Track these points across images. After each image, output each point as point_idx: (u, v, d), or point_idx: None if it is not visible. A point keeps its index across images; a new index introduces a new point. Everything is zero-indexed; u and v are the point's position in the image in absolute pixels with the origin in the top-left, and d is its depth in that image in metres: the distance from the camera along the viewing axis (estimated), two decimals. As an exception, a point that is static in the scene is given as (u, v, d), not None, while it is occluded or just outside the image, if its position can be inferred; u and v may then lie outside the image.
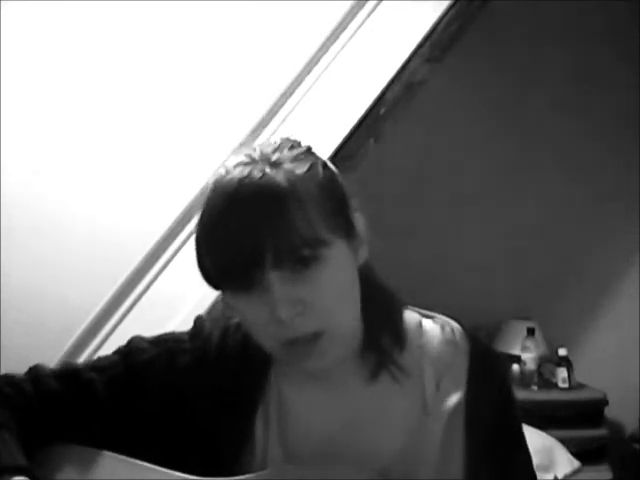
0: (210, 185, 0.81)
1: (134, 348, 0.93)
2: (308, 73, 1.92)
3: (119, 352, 0.94)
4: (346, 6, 1.93)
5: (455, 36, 1.99)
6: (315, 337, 0.80)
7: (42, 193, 1.81)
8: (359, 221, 0.86)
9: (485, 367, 0.90)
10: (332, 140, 1.88)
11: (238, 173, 0.79)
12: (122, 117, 1.86)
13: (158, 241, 1.82)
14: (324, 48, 1.93)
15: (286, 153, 0.82)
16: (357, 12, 1.94)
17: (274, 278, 0.77)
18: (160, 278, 1.82)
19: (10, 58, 1.80)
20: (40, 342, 1.70)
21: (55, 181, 1.83)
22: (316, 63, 1.92)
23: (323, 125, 1.90)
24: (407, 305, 0.94)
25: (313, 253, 0.78)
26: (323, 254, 0.78)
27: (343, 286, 0.82)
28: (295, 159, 0.81)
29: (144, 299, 1.81)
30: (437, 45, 1.96)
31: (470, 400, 0.87)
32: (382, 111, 1.93)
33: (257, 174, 0.78)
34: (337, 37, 1.93)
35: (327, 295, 0.80)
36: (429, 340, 0.91)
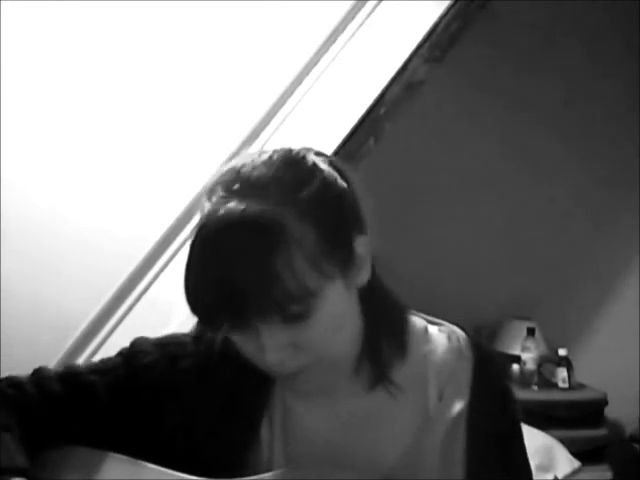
0: (196, 225, 0.77)
1: (137, 351, 0.92)
2: (308, 73, 1.92)
3: (122, 354, 0.93)
4: (346, 6, 1.93)
5: (455, 36, 1.99)
6: (312, 365, 0.80)
7: (38, 203, 1.81)
8: (361, 244, 0.81)
9: (488, 376, 0.90)
10: (332, 140, 1.88)
11: (222, 215, 0.73)
12: (118, 122, 1.85)
13: (153, 247, 1.81)
14: (324, 48, 1.93)
15: (280, 177, 0.76)
16: (357, 12, 1.93)
17: (262, 329, 0.76)
18: (156, 284, 1.82)
19: (10, 59, 1.80)
20: (39, 350, 1.70)
21: (51, 189, 1.82)
22: (316, 63, 1.92)
23: (323, 125, 1.90)
24: (413, 311, 0.93)
25: (302, 307, 0.74)
26: (314, 304, 0.75)
27: (337, 323, 0.80)
28: (290, 189, 0.75)
29: (139, 305, 1.81)
30: (437, 45, 1.96)
31: (472, 409, 0.87)
32: (382, 111, 1.93)
33: (242, 218, 0.72)
34: (337, 37, 1.93)
35: (319, 336, 0.78)
36: (434, 348, 0.91)
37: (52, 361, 1.72)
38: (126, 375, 0.90)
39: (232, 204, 0.74)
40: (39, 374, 0.91)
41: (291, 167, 0.78)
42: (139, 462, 0.86)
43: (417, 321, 0.93)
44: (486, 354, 0.92)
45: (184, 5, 1.87)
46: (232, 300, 0.73)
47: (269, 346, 0.76)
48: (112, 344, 1.67)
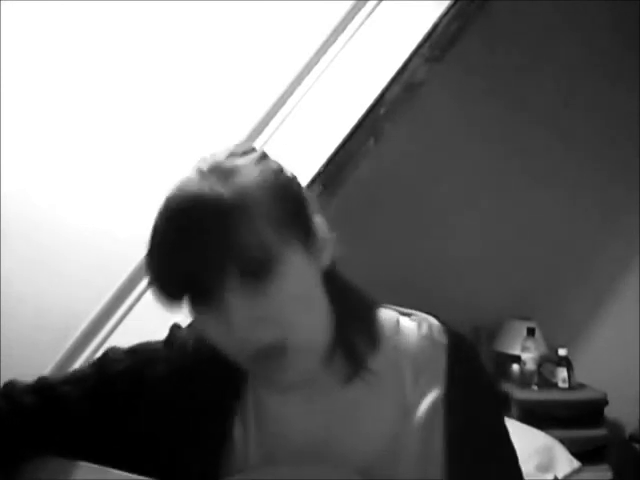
0: (161, 204, 0.79)
1: (109, 359, 0.92)
2: (308, 73, 1.92)
3: (94, 364, 0.93)
4: (346, 6, 1.93)
5: (455, 36, 1.99)
6: (281, 349, 0.78)
7: (38, 203, 1.81)
8: (320, 225, 0.85)
9: (464, 361, 0.90)
10: (332, 140, 1.88)
11: (186, 191, 0.78)
12: (117, 123, 1.85)
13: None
14: (324, 48, 1.93)
15: (237, 162, 0.80)
16: (357, 12, 1.93)
17: (227, 297, 0.76)
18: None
19: (10, 59, 1.80)
20: (39, 351, 1.70)
21: (51, 190, 1.82)
22: (316, 63, 1.92)
23: (323, 125, 1.90)
24: (383, 304, 0.94)
25: (264, 269, 0.76)
26: (277, 269, 0.77)
27: (303, 296, 0.80)
28: (246, 169, 0.79)
29: (139, 305, 1.80)
30: (437, 45, 1.96)
31: (450, 396, 0.87)
32: (382, 111, 1.93)
33: (205, 192, 0.76)
34: (337, 37, 1.93)
35: (286, 306, 0.78)
36: (406, 337, 0.90)
37: (52, 361, 1.72)
38: (99, 384, 0.90)
39: (197, 184, 0.78)
40: (9, 388, 0.91)
41: (246, 153, 0.83)
42: (108, 470, 0.85)
43: (386, 313, 0.93)
44: (461, 340, 0.91)
45: (184, 5, 1.87)
46: (195, 269, 0.75)
47: (235, 315, 0.76)
48: (112, 344, 1.66)
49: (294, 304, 0.79)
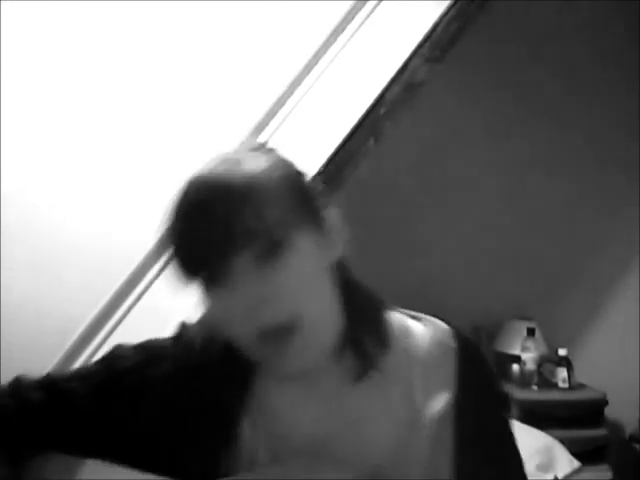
0: (178, 189, 0.84)
1: (117, 355, 0.92)
2: (308, 73, 1.92)
3: (102, 360, 0.93)
4: (346, 6, 1.93)
5: (455, 36, 1.99)
6: (288, 331, 0.79)
7: (38, 207, 1.80)
8: (332, 217, 0.87)
9: (474, 366, 0.91)
10: (332, 140, 1.88)
11: (199, 177, 0.82)
12: (116, 129, 1.84)
13: (151, 250, 1.80)
14: (324, 48, 1.93)
15: (248, 153, 0.85)
16: (357, 12, 1.93)
17: (236, 275, 0.79)
18: (153, 286, 1.81)
19: (10, 59, 1.79)
20: (39, 354, 1.70)
21: (50, 194, 1.82)
22: (316, 63, 1.92)
23: (323, 125, 1.90)
24: (393, 307, 0.94)
25: (272, 250, 0.79)
26: (284, 250, 0.79)
27: (311, 280, 0.82)
28: (256, 159, 0.83)
29: (138, 307, 1.80)
30: (437, 45, 1.95)
31: (460, 401, 0.87)
32: (382, 111, 1.93)
33: (215, 177, 0.81)
34: (337, 37, 1.93)
35: (291, 285, 0.80)
36: (416, 341, 0.91)
37: (51, 364, 1.71)
38: (107, 380, 0.90)
39: (211, 169, 0.83)
40: (17, 384, 0.91)
41: (258, 147, 0.88)
42: (115, 467, 0.85)
43: (396, 316, 0.93)
44: (470, 344, 0.92)
45: (184, 5, 1.87)
46: (204, 246, 0.79)
47: (240, 289, 0.78)
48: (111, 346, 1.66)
49: (301, 286, 0.81)
